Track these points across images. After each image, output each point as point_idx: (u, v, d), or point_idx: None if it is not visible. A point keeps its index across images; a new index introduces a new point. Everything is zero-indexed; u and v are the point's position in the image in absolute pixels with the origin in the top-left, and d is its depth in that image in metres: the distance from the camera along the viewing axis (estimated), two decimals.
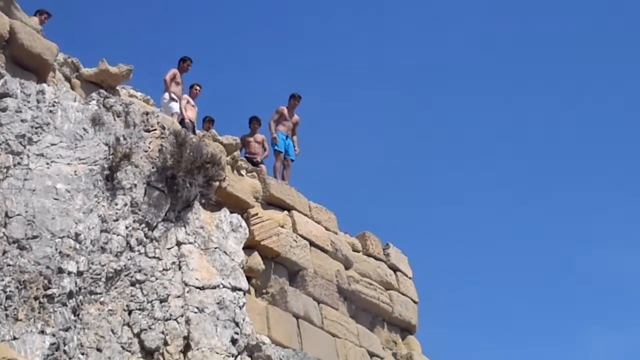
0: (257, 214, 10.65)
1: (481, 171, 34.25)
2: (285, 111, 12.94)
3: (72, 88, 9.90)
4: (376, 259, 12.78)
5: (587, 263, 32.83)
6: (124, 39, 31.36)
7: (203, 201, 7.91)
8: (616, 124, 33.73)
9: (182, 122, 11.31)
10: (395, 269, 13.00)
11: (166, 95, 11.59)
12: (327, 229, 12.06)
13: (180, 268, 7.28)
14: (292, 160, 12.87)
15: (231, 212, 9.54)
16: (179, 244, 7.44)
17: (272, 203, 11.47)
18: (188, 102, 12.09)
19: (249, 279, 9.62)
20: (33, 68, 9.25)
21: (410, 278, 13.24)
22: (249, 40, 34.36)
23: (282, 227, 11.12)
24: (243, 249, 9.21)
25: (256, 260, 10.31)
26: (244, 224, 8.38)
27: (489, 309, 32.23)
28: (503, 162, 34.37)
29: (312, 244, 11.50)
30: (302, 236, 11.37)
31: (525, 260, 33.31)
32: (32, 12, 10.18)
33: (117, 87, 10.26)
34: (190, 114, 11.98)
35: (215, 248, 7.76)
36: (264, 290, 10.56)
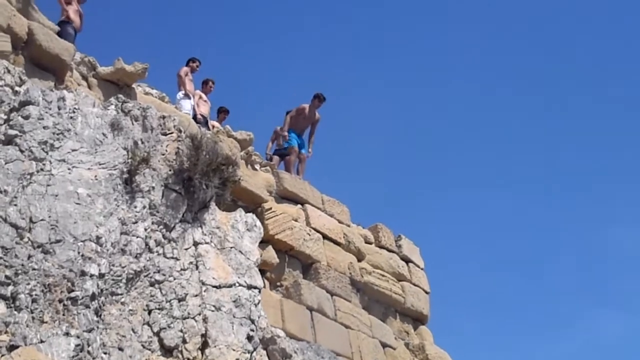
0: (270, 208, 10.84)
1: (490, 161, 34.35)
2: (307, 110, 12.96)
3: (89, 87, 10.10)
4: (388, 250, 12.96)
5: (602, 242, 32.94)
6: (136, 37, 31.57)
7: (219, 202, 8.08)
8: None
9: (194, 117, 11.51)
10: (407, 260, 13.19)
11: (180, 93, 11.79)
12: (339, 221, 12.25)
13: (197, 268, 7.45)
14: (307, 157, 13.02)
15: (245, 207, 9.71)
16: (195, 244, 7.61)
17: (286, 197, 11.67)
18: (200, 97, 12.30)
19: (263, 272, 9.79)
20: (51, 68, 9.44)
21: (422, 269, 13.43)
22: (261, 35, 34.55)
23: (296, 220, 11.31)
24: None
25: (270, 254, 10.51)
26: (258, 223, 8.57)
27: (500, 296, 32.46)
28: (511, 150, 34.43)
29: (325, 237, 11.69)
30: (315, 229, 11.56)
31: (534, 243, 33.44)
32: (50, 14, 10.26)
33: (133, 86, 10.46)
34: (203, 109, 12.19)
35: (231, 247, 7.93)
36: (278, 284, 10.78)
